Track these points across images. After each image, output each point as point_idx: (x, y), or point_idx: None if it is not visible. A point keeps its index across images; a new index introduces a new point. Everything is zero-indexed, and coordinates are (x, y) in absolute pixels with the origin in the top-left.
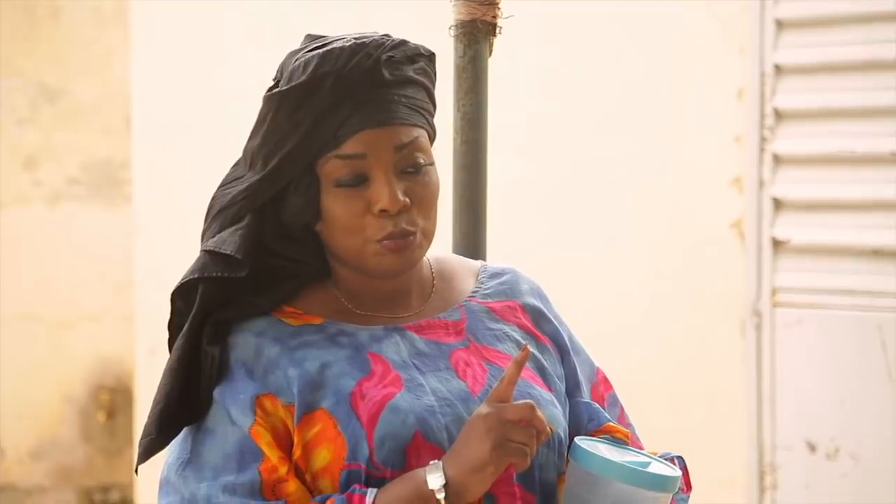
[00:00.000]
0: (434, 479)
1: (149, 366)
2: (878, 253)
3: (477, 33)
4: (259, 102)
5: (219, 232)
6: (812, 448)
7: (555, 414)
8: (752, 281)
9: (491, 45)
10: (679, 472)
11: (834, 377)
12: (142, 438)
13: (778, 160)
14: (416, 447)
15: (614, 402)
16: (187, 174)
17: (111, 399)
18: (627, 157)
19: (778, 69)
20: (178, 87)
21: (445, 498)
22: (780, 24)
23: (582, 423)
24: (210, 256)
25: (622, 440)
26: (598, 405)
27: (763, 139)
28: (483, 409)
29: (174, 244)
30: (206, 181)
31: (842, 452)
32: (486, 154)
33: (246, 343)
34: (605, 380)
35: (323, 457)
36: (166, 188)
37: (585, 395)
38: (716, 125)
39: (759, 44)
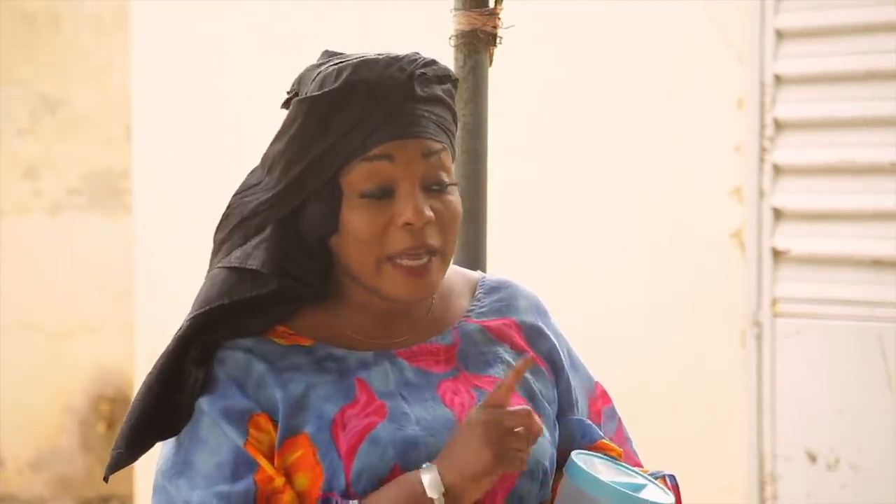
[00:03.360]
0: (433, 488)
1: None
2: (878, 263)
3: (477, 43)
4: (258, 112)
5: (241, 245)
6: (812, 458)
7: (542, 445)
8: (752, 291)
9: (491, 56)
10: (672, 499)
11: (834, 387)
12: (112, 450)
13: (778, 170)
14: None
15: (612, 415)
16: (187, 184)
17: (111, 409)
18: (628, 166)
19: (778, 79)
20: (179, 97)
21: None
22: (780, 34)
23: (575, 440)
24: (236, 275)
25: (615, 458)
26: (590, 423)
27: (763, 149)
28: (481, 414)
29: (174, 254)
30: (206, 191)
31: (842, 463)
32: (486, 164)
33: (235, 359)
34: (604, 394)
35: (301, 483)
36: (166, 198)
37: (582, 413)
38: (716, 135)
39: (759, 53)
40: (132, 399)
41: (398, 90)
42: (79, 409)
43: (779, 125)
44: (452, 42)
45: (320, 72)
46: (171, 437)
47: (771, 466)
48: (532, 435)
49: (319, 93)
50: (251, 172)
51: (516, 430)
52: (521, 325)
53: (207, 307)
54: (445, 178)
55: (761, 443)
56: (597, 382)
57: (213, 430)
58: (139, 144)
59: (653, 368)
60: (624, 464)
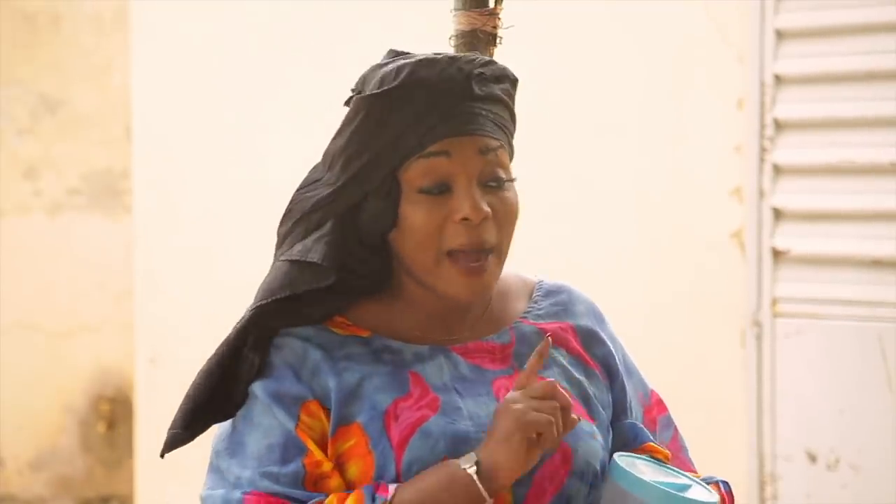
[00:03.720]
0: (465, 460)
1: (149, 376)
2: (878, 263)
3: (477, 43)
4: (258, 112)
5: (302, 239)
6: (812, 458)
7: (593, 447)
8: (752, 291)
9: (491, 56)
10: (717, 497)
11: (834, 387)
12: (169, 430)
13: (778, 170)
14: None
15: (668, 424)
16: (187, 184)
17: (111, 409)
18: (628, 166)
19: (778, 79)
20: (179, 97)
21: (478, 473)
22: (780, 34)
23: (627, 443)
24: (297, 268)
25: (662, 460)
26: (641, 426)
27: (763, 149)
28: (507, 395)
29: (174, 254)
30: (206, 191)
31: (842, 463)
32: None
33: (293, 346)
34: (660, 402)
35: (353, 472)
36: (166, 198)
37: (637, 418)
38: (716, 135)
39: (759, 53)
40: (191, 384)
41: (456, 89)
42: (79, 409)
43: (779, 125)
44: (452, 42)
45: (382, 70)
46: (226, 419)
47: (771, 466)
48: (561, 405)
49: (379, 91)
50: (313, 168)
51: (543, 400)
52: (577, 330)
53: (269, 298)
54: (503, 175)
55: (761, 443)
56: (652, 391)
57: (265, 414)
58: (139, 144)
59: (653, 368)
60: (669, 465)
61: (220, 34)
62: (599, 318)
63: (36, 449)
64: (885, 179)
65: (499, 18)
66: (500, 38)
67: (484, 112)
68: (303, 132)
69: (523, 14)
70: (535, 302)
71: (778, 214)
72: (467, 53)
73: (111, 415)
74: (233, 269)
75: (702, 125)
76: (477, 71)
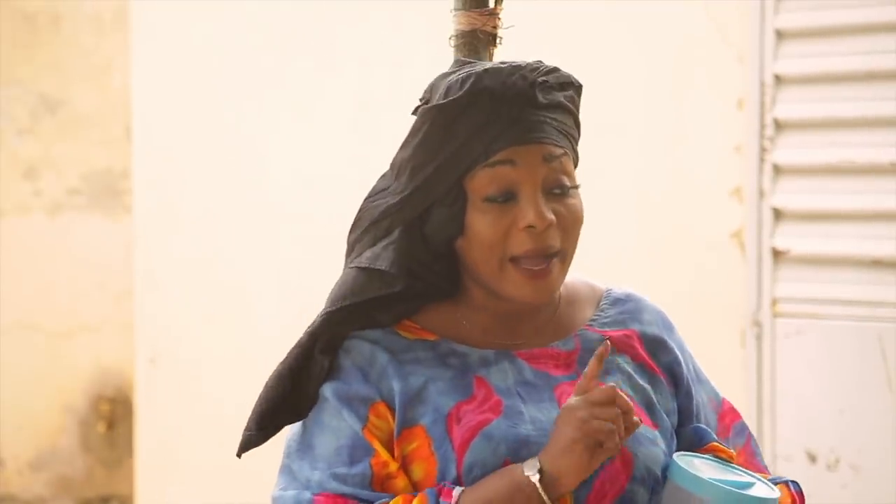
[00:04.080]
0: (529, 467)
1: (148, 376)
2: (878, 263)
3: (477, 43)
4: (258, 112)
5: (371, 246)
6: (812, 458)
7: (654, 453)
8: (752, 291)
9: (491, 56)
10: (777, 494)
11: (834, 387)
12: (244, 431)
13: (778, 170)
14: None
15: (741, 431)
16: (187, 184)
17: (111, 409)
18: (627, 166)
19: (778, 79)
20: (179, 97)
21: (541, 481)
22: (780, 34)
23: (693, 445)
24: (366, 274)
25: (726, 460)
26: (706, 428)
27: (763, 149)
28: (569, 401)
29: (174, 254)
30: (206, 191)
31: (842, 463)
32: None
33: (361, 349)
34: (732, 409)
35: (417, 473)
36: (166, 198)
37: (710, 426)
38: (716, 135)
39: (759, 53)
40: (264, 387)
41: (520, 98)
42: (79, 410)
43: (779, 125)
44: (452, 42)
45: (448, 80)
46: (297, 420)
47: (771, 466)
48: (622, 410)
49: (444, 101)
50: (381, 177)
51: (604, 407)
52: (643, 337)
53: (339, 305)
54: (567, 182)
55: (761, 443)
56: (724, 399)
57: (334, 416)
58: (139, 144)
59: None
60: (733, 465)
61: (220, 34)
62: (668, 327)
63: (36, 449)
64: (885, 179)
65: (499, 18)
66: (500, 38)
67: (548, 120)
68: (303, 132)
69: (523, 14)
70: (602, 310)
71: (778, 214)
72: (532, 62)
73: (111, 415)
74: (233, 269)
75: (702, 125)
76: (541, 79)
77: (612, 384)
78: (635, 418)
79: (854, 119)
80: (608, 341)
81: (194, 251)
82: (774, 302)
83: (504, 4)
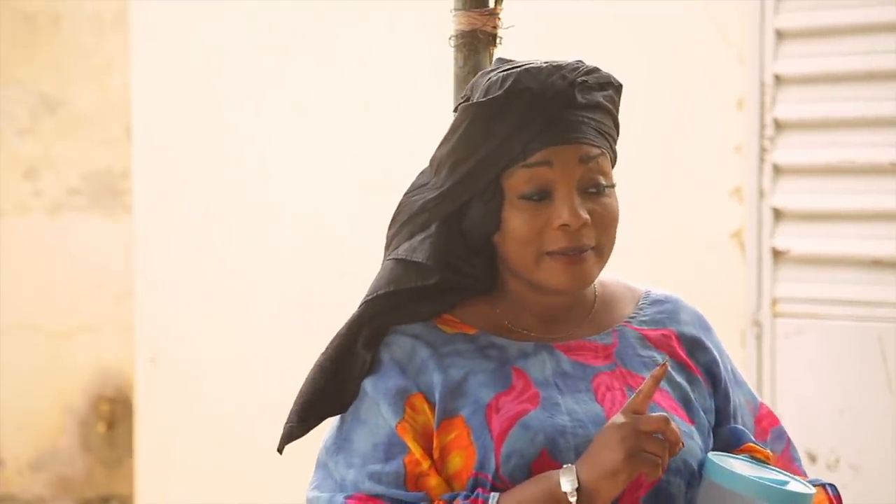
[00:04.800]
0: (567, 482)
1: (149, 376)
2: (878, 263)
3: (477, 44)
4: (258, 112)
5: (408, 239)
6: (812, 458)
7: (691, 446)
8: (752, 291)
9: (491, 56)
10: (813, 491)
11: (834, 387)
12: (285, 424)
13: (778, 170)
14: (541, 465)
15: (780, 435)
16: (187, 184)
17: (111, 409)
18: (628, 166)
19: (778, 79)
20: (179, 97)
21: (577, 501)
22: (780, 34)
23: (730, 445)
24: (402, 266)
25: (762, 460)
26: (742, 428)
27: (763, 149)
28: (618, 418)
29: (174, 254)
30: (205, 191)
31: (842, 463)
32: None
33: (401, 344)
34: (770, 413)
35: (455, 463)
36: (166, 198)
37: (747, 428)
38: (716, 135)
39: (759, 54)
40: (305, 379)
41: (559, 97)
42: (79, 410)
43: (779, 125)
44: (452, 42)
45: (488, 79)
46: (339, 413)
47: None
48: (670, 442)
49: (485, 99)
50: (420, 174)
51: (653, 434)
52: (681, 337)
53: (375, 294)
54: (603, 182)
55: None
56: (761, 402)
57: (371, 411)
58: (139, 145)
59: None
60: (767, 464)
61: (219, 34)
62: (706, 328)
63: (36, 449)
64: (885, 179)
65: (499, 18)
66: (501, 38)
67: (586, 120)
68: (302, 132)
69: (523, 14)
70: (641, 309)
71: (778, 214)
72: (573, 61)
73: (111, 415)
74: (232, 269)
75: (702, 125)
76: (580, 79)
77: (664, 415)
78: (681, 443)
79: (854, 119)
80: (666, 363)
81: (194, 251)
82: (774, 302)
83: (504, 4)
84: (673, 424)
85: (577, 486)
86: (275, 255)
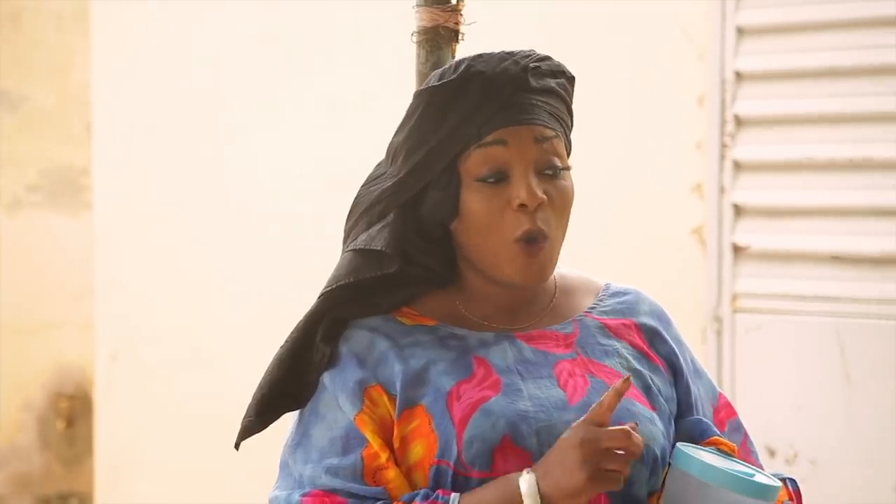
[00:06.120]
0: (529, 497)
1: (109, 373)
2: (837, 258)
3: (439, 40)
4: (217, 108)
5: (366, 230)
6: (771, 453)
7: (653, 431)
8: (712, 286)
9: (453, 52)
10: (779, 483)
11: (793, 382)
12: (243, 419)
13: (738, 166)
14: (503, 450)
15: (737, 427)
16: (148, 181)
17: (70, 406)
18: (588, 163)
19: (738, 76)
20: (139, 93)
21: None
22: (741, 31)
23: (694, 438)
24: (361, 256)
25: (728, 453)
26: (707, 421)
27: (724, 146)
28: (579, 431)
29: (135, 251)
30: (166, 187)
31: (800, 457)
32: None
33: (360, 337)
34: (728, 405)
35: (417, 452)
36: (127, 195)
37: (706, 418)
38: (677, 132)
39: (720, 50)
40: (264, 373)
41: (512, 81)
42: (38, 407)
43: (739, 122)
44: (415, 38)
45: (443, 67)
46: (297, 408)
47: None
48: (631, 455)
49: (437, 84)
50: (377, 165)
51: (615, 450)
52: (641, 327)
53: (335, 284)
54: (558, 163)
55: None
56: (720, 393)
57: (330, 405)
58: (99, 141)
59: None
60: (733, 457)
61: (180, 32)
62: (665, 320)
63: None
64: (844, 176)
65: (461, 15)
66: (463, 34)
67: (539, 103)
68: (265, 128)
69: (485, 10)
70: (601, 300)
71: (738, 210)
72: (524, 49)
73: (70, 412)
74: (193, 266)
75: (663, 122)
76: (533, 64)
77: (626, 428)
78: (642, 449)
79: (814, 116)
80: (629, 377)
81: (155, 248)
82: (735, 297)
83: (466, 1)
84: (635, 437)
85: (538, 492)
86: (237, 252)
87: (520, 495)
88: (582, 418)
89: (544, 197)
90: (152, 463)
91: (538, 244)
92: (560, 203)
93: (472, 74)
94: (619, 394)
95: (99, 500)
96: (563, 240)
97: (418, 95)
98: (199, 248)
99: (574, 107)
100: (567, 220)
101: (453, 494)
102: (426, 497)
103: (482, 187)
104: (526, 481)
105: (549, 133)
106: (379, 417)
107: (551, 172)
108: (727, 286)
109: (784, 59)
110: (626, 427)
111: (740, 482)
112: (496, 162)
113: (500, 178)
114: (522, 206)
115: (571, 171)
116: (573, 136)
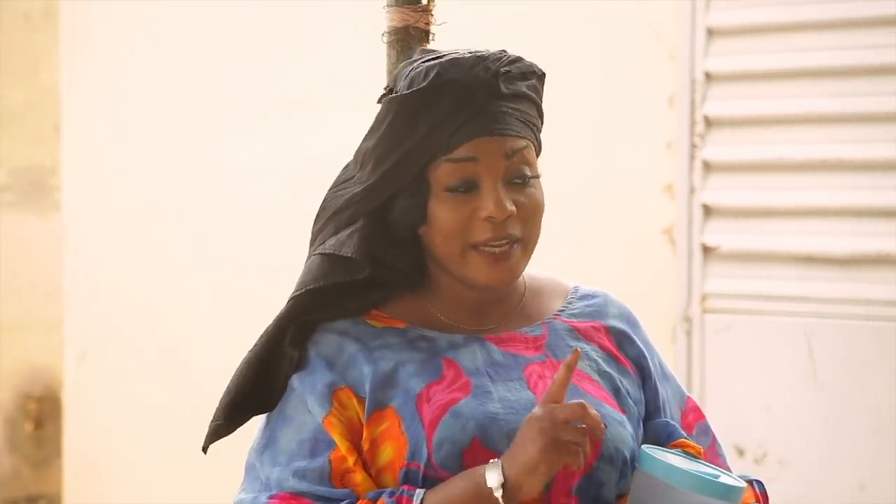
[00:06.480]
0: (492, 478)
1: (77, 374)
2: (806, 259)
3: (410, 40)
4: (186, 109)
5: (334, 234)
6: (740, 452)
7: (622, 434)
8: (682, 287)
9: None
10: (743, 484)
11: (762, 382)
12: (211, 422)
13: (708, 167)
14: (473, 452)
15: (705, 431)
16: (116, 181)
17: (39, 408)
18: (558, 163)
19: (708, 76)
20: (107, 93)
21: (503, 496)
22: (711, 32)
23: (661, 440)
24: (330, 261)
25: (694, 455)
26: (675, 424)
27: (693, 146)
28: (536, 411)
29: (104, 251)
30: (135, 187)
31: (769, 457)
32: None
33: (329, 340)
34: (696, 409)
35: (387, 454)
36: (96, 195)
37: (674, 421)
38: (647, 132)
39: (690, 51)
40: (233, 376)
41: (483, 89)
42: (5, 408)
43: (709, 122)
44: (385, 38)
45: (412, 70)
46: (265, 411)
47: None
48: (590, 428)
49: (408, 91)
50: (345, 168)
51: (571, 422)
52: (610, 330)
53: (303, 290)
54: (528, 173)
55: None
56: (688, 397)
57: (298, 408)
58: (68, 141)
59: None
60: (699, 459)
61: (148, 32)
62: (633, 323)
63: None
64: (813, 176)
65: (431, 15)
66: (433, 34)
67: (510, 111)
68: (234, 128)
69: (456, 10)
70: (570, 303)
71: (708, 211)
72: (496, 51)
73: (39, 414)
74: (162, 266)
75: (633, 122)
76: (504, 69)
77: (581, 402)
78: (602, 426)
79: (783, 116)
80: (579, 349)
81: (123, 249)
82: (704, 298)
83: (436, 1)
84: (591, 409)
85: (502, 481)
86: (206, 252)
87: (484, 483)
88: (540, 399)
89: (513, 209)
90: (121, 464)
91: (506, 247)
92: (530, 211)
93: (444, 82)
94: (570, 368)
95: (68, 502)
96: (534, 246)
97: (389, 102)
98: (167, 248)
99: (544, 105)
100: (538, 227)
101: (419, 490)
102: (392, 493)
103: (451, 196)
104: (493, 468)
105: (520, 144)
106: (347, 420)
107: (521, 181)
108: (697, 286)
109: (754, 59)
110: (581, 401)
111: (705, 483)
112: (466, 174)
113: (469, 187)
114: (490, 217)
115: (542, 171)
116: (544, 134)
